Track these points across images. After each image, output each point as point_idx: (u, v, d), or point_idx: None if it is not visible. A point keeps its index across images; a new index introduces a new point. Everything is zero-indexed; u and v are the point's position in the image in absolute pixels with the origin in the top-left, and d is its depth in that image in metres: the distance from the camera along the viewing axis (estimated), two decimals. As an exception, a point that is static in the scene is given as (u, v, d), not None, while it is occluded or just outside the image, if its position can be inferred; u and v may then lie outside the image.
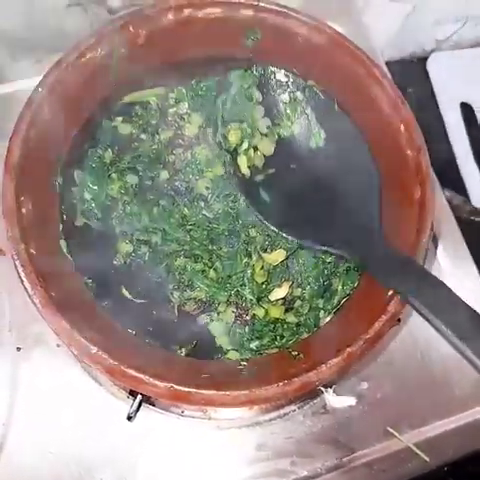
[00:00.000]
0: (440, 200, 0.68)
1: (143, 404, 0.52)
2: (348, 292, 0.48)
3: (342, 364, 0.40)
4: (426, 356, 0.60)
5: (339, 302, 0.48)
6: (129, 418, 0.50)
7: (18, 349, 0.56)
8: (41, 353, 0.56)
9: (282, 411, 0.56)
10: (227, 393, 0.40)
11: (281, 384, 0.40)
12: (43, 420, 0.54)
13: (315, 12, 0.51)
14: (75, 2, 0.63)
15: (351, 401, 0.57)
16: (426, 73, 0.85)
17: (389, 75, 0.51)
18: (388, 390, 0.58)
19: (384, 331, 0.42)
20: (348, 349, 0.41)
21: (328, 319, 0.47)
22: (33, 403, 0.55)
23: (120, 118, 0.54)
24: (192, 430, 0.56)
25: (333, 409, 0.57)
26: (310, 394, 0.57)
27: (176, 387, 0.40)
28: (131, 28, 0.48)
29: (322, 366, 0.40)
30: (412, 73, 0.87)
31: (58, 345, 0.56)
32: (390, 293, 0.42)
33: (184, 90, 0.55)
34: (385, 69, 0.51)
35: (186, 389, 0.40)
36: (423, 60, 0.86)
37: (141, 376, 0.40)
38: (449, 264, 0.64)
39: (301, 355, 0.44)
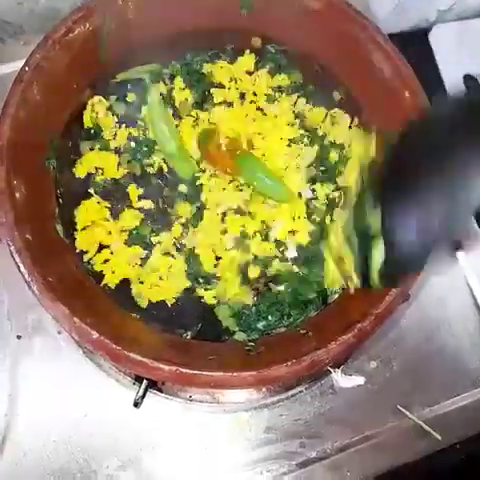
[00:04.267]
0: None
1: (149, 390, 0.51)
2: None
3: (352, 341, 0.39)
4: (436, 334, 0.59)
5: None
6: (136, 404, 0.49)
7: (18, 337, 0.55)
8: (42, 341, 0.55)
9: (290, 392, 0.55)
10: (235, 374, 0.39)
11: (290, 363, 0.39)
12: (46, 409, 0.53)
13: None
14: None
15: (360, 381, 0.56)
16: (429, 45, 0.82)
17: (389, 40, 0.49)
18: (397, 369, 0.57)
19: (394, 306, 0.41)
20: (358, 325, 0.39)
21: (336, 296, 0.46)
22: (35, 392, 0.54)
23: (114, 97, 0.52)
24: (200, 415, 0.55)
25: (341, 389, 0.56)
26: (318, 374, 0.55)
27: (182, 370, 0.39)
28: (120, 0, 0.46)
29: (332, 343, 0.39)
30: (414, 46, 0.84)
31: (59, 332, 0.55)
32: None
33: (178, 65, 0.53)
34: (386, 35, 0.49)
35: (192, 371, 0.39)
36: (425, 32, 0.83)
37: (145, 360, 0.39)
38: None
39: (310, 333, 0.43)
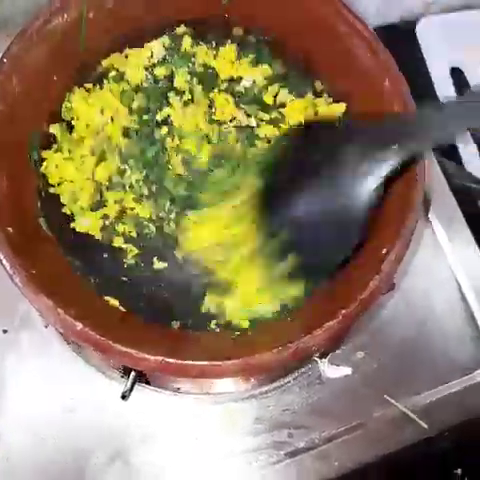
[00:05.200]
0: (432, 166, 0.66)
1: (138, 383, 0.51)
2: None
3: (338, 327, 0.40)
4: (422, 323, 0.59)
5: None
6: (123, 397, 0.48)
7: (4, 332, 0.55)
8: (29, 335, 0.55)
9: (277, 383, 0.56)
10: (220, 363, 0.39)
11: (276, 351, 0.39)
12: (34, 404, 0.53)
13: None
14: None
15: (347, 371, 0.57)
16: (415, 38, 0.83)
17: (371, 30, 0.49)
18: (384, 359, 0.58)
19: (379, 291, 0.41)
20: (343, 311, 0.40)
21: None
22: (22, 387, 0.54)
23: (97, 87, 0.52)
24: (189, 406, 0.55)
25: (329, 380, 0.57)
26: (305, 364, 0.56)
27: (167, 360, 0.39)
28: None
29: (317, 330, 0.39)
30: (401, 39, 0.84)
31: (46, 326, 0.55)
32: (384, 251, 0.41)
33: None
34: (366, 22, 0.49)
35: (178, 361, 0.39)
36: (412, 25, 0.84)
37: (130, 351, 0.39)
38: (444, 231, 0.63)
39: (295, 321, 0.43)
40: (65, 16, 0.45)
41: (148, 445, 0.53)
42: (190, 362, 0.39)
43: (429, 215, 0.64)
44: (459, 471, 0.63)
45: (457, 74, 0.80)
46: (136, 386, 0.50)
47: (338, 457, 0.54)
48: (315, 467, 0.53)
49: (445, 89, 0.79)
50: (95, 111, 0.52)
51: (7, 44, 0.45)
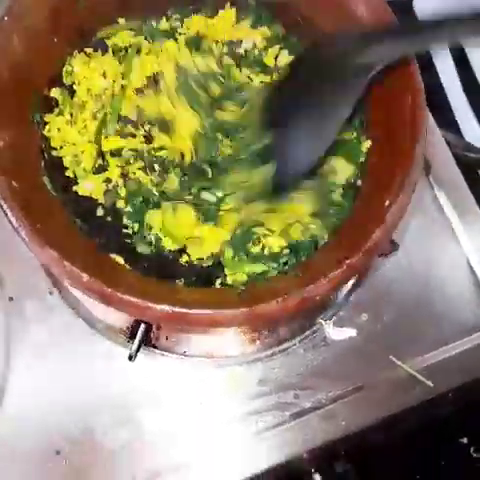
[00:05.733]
0: (434, 132, 0.66)
1: (143, 347, 0.51)
2: (345, 214, 0.48)
3: (342, 276, 0.40)
4: (425, 284, 0.59)
5: (336, 223, 0.47)
6: (130, 358, 0.49)
7: (10, 299, 0.55)
8: (33, 302, 0.55)
9: (282, 346, 0.56)
10: (226, 311, 0.39)
11: (281, 299, 0.39)
12: (40, 370, 0.54)
13: None
14: None
15: (351, 332, 0.57)
16: (413, 13, 0.83)
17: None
18: (388, 320, 0.58)
19: (381, 243, 0.41)
20: (347, 261, 0.40)
21: (325, 240, 0.47)
22: (28, 354, 0.54)
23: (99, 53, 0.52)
24: (195, 370, 0.55)
25: (333, 341, 0.57)
26: (310, 326, 0.56)
27: (174, 309, 0.39)
28: None
29: (321, 280, 0.40)
30: (398, 14, 0.84)
31: (51, 293, 0.55)
32: (387, 203, 0.42)
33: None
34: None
35: (184, 310, 0.39)
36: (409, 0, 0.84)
37: (137, 300, 0.39)
38: (446, 196, 0.63)
39: (300, 274, 0.43)
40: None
41: (154, 408, 0.54)
42: (196, 311, 0.39)
43: (431, 179, 0.64)
44: (465, 440, 0.63)
45: (456, 49, 0.80)
46: (142, 349, 0.50)
47: (345, 417, 0.54)
48: (322, 427, 0.54)
49: (445, 65, 0.79)
50: (97, 75, 0.52)
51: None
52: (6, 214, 0.40)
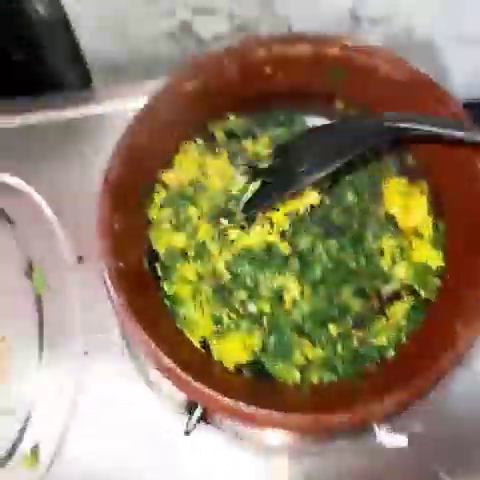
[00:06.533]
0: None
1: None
2: (412, 327, 0.49)
3: (408, 397, 0.41)
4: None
5: (403, 337, 0.49)
6: (187, 433, 0.51)
7: (85, 353, 0.59)
8: (105, 359, 0.59)
9: (331, 444, 0.57)
10: (290, 415, 0.41)
11: (344, 412, 0.41)
12: (100, 429, 0.56)
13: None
14: (167, 31, 0.68)
15: (403, 441, 0.57)
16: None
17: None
18: (444, 435, 0.57)
19: (452, 365, 0.42)
20: (415, 381, 0.41)
21: (393, 352, 0.48)
22: (91, 410, 0.56)
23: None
24: (242, 452, 0.56)
25: (383, 447, 0.57)
26: (361, 429, 0.57)
27: (238, 403, 0.41)
28: (225, 62, 0.52)
29: (387, 397, 0.41)
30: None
31: (123, 354, 0.59)
32: (459, 327, 0.43)
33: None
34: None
35: (247, 407, 0.41)
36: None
37: (207, 390, 0.42)
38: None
39: (364, 386, 0.45)
40: (193, 81, 0.51)
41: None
42: (258, 409, 0.41)
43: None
44: None
45: None
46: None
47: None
48: None
49: None
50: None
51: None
52: (108, 291, 0.45)
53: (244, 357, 0.48)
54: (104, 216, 0.44)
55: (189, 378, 0.42)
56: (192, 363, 0.44)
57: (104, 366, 0.58)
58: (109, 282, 0.44)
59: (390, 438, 0.57)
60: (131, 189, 0.48)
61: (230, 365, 0.48)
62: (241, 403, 0.42)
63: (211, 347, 0.49)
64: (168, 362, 0.43)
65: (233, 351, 0.48)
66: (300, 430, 0.43)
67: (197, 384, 0.42)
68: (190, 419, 0.51)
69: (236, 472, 0.56)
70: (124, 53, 0.70)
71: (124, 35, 0.68)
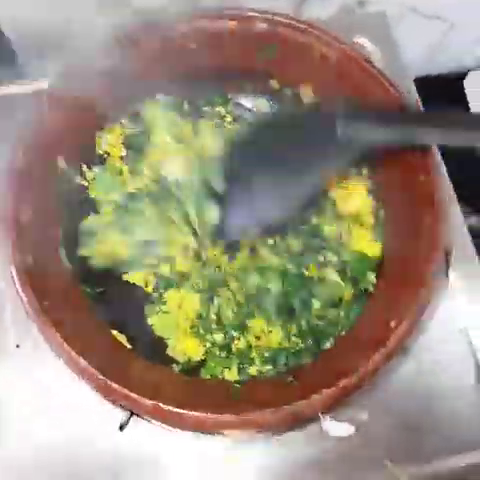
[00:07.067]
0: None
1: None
2: (352, 320, 0.47)
3: (336, 395, 0.39)
4: (432, 391, 0.57)
5: (341, 329, 0.47)
6: (121, 428, 0.49)
7: (17, 346, 0.56)
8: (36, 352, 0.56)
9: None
10: (213, 416, 0.39)
11: (269, 411, 0.39)
12: (31, 421, 0.53)
13: (347, 27, 0.49)
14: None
15: (350, 430, 0.55)
16: (463, 91, 0.82)
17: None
18: (390, 423, 0.56)
19: (382, 364, 0.40)
20: (342, 381, 0.39)
21: (328, 345, 0.46)
22: (21, 401, 0.54)
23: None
24: (183, 443, 0.54)
25: (330, 436, 0.55)
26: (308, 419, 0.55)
27: (162, 406, 0.39)
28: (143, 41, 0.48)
29: (315, 396, 0.39)
30: (448, 90, 0.84)
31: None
32: (392, 325, 0.41)
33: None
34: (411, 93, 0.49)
35: (172, 409, 0.39)
36: (461, 78, 0.83)
37: (129, 393, 0.39)
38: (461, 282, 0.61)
39: (295, 382, 0.43)
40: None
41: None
42: (184, 411, 0.39)
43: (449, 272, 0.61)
44: None
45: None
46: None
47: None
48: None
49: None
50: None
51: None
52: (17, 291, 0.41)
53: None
54: (8, 208, 0.41)
55: (108, 381, 0.40)
56: (112, 363, 0.42)
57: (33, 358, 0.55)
58: (16, 279, 0.40)
59: (334, 426, 0.56)
60: (41, 175, 0.45)
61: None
62: (162, 404, 0.39)
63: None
64: (82, 363, 0.40)
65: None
66: (228, 429, 0.40)
67: (115, 386, 0.40)
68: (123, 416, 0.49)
69: (175, 460, 0.54)
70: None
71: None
